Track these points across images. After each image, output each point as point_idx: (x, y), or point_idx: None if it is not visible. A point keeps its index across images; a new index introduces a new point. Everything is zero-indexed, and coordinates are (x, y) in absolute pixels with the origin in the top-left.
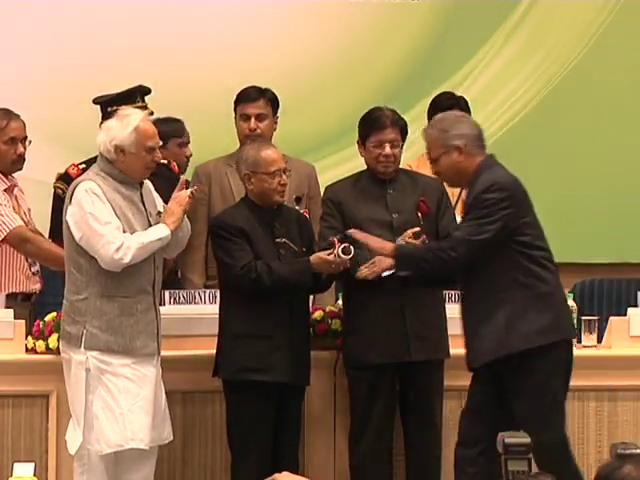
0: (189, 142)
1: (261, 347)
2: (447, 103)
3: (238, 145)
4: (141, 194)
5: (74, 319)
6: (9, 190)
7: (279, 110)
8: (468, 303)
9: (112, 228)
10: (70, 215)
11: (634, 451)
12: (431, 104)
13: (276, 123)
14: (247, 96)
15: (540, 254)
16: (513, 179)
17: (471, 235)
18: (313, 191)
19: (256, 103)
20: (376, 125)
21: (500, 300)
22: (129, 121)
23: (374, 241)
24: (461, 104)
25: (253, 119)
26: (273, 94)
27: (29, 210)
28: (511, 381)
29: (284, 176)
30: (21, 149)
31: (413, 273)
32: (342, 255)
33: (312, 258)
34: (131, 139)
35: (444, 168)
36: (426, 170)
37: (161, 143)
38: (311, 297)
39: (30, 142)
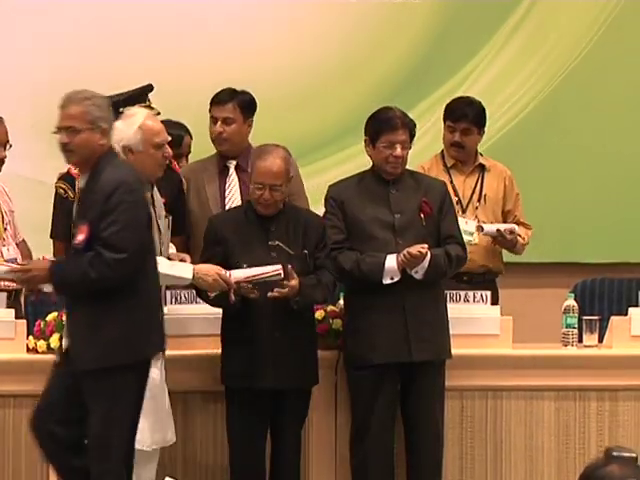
0: (187, 153)
1: (242, 353)
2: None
3: None
4: (152, 195)
5: None
6: None
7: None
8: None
9: None
10: None
11: (626, 454)
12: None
13: (250, 127)
14: (217, 98)
15: None
16: None
17: None
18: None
19: (224, 106)
20: (388, 126)
21: None
22: (133, 120)
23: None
24: None
25: (220, 122)
26: (246, 98)
27: (12, 212)
28: None
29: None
30: (4, 153)
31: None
32: None
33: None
34: (137, 138)
35: None
36: (438, 172)
37: (169, 139)
38: None
39: (11, 146)
